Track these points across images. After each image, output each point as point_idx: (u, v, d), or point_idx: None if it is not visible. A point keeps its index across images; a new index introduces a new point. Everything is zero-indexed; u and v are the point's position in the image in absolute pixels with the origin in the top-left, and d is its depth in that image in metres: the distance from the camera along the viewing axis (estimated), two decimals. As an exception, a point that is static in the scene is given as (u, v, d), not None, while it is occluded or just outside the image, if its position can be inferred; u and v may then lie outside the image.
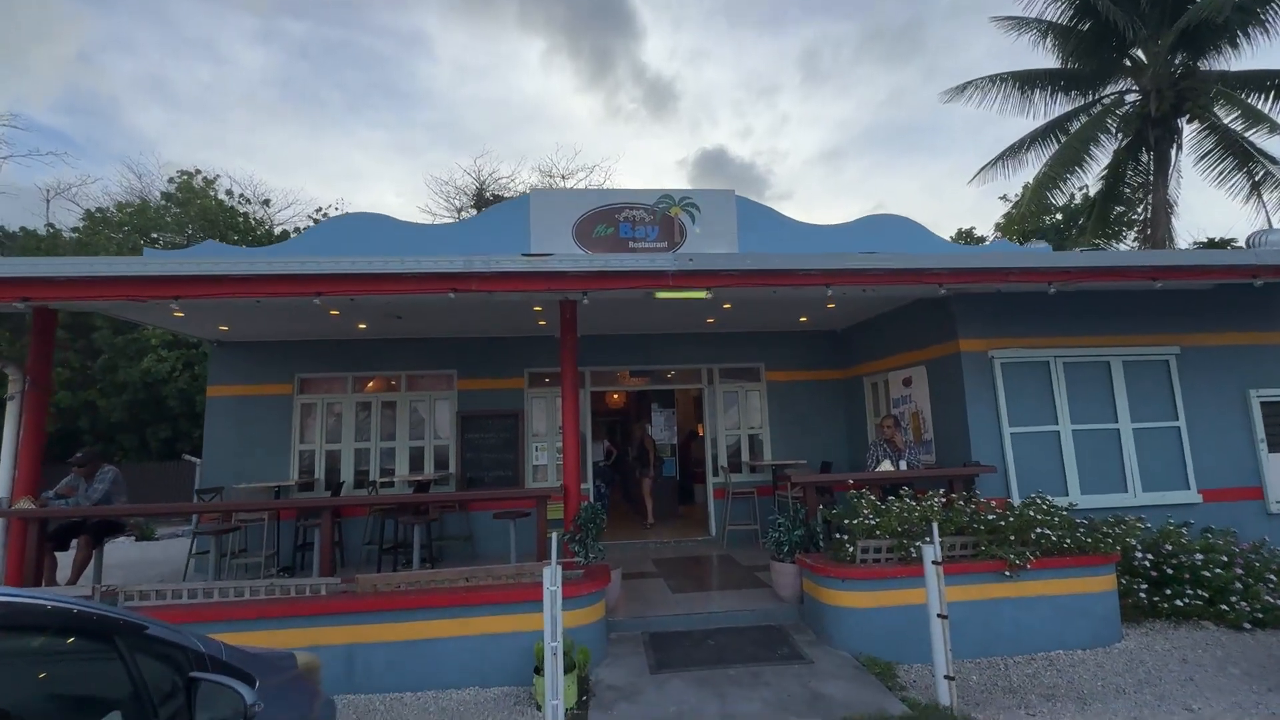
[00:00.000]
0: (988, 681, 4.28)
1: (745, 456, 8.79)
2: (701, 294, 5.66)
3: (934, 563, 3.85)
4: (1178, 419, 6.37)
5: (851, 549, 4.83)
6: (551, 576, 3.52)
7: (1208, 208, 33.82)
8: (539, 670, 3.88)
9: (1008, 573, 4.68)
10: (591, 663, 4.47)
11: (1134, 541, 5.24)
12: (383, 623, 4.30)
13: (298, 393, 8.27)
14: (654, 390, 10.84)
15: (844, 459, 8.79)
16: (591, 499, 8.42)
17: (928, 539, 4.38)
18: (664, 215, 8.10)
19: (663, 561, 7.36)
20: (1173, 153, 12.37)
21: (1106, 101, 12.98)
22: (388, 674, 4.26)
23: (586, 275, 4.94)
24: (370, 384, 8.47)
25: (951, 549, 4.80)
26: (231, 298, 4.61)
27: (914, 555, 4.72)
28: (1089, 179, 13.71)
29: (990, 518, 4.87)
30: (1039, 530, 4.72)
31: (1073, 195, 18.40)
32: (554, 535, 3.71)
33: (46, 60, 35.80)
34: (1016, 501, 5.33)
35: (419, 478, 7.65)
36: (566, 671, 3.97)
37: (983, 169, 13.99)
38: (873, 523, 4.82)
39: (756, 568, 6.83)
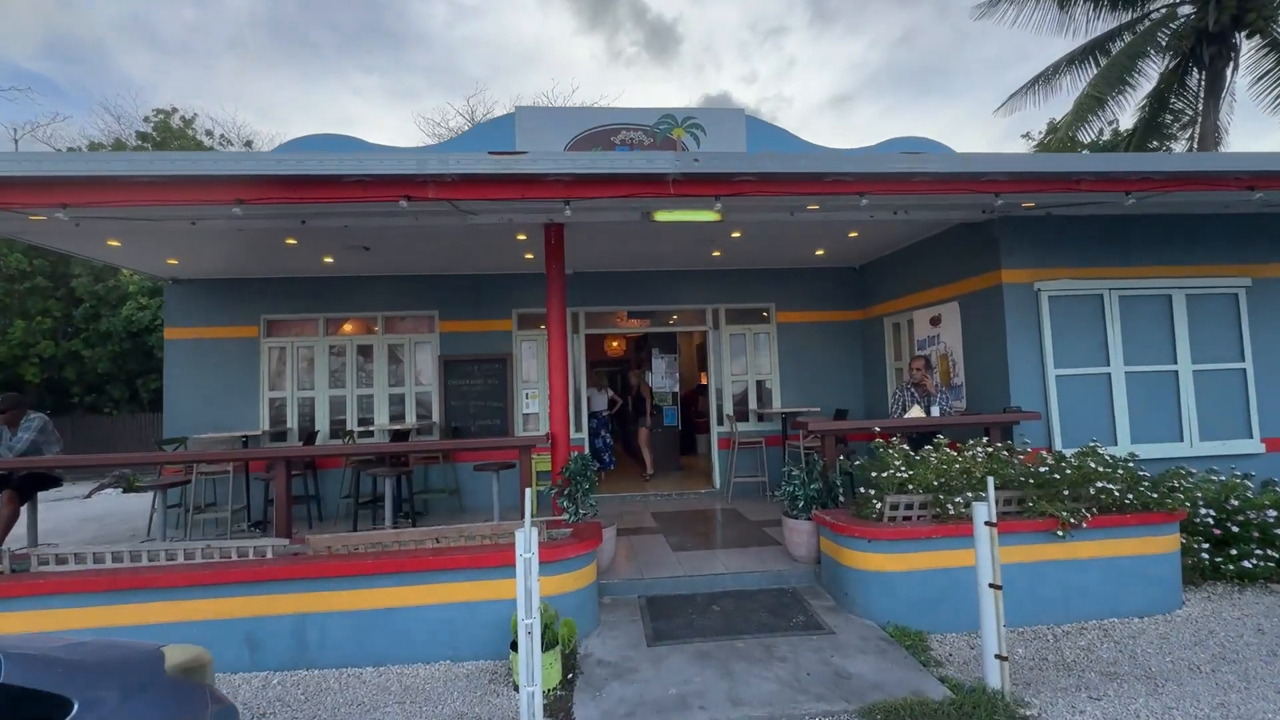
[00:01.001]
0: (1036, 655, 3.72)
1: (753, 404, 8.14)
2: (710, 214, 4.87)
3: (987, 524, 3.21)
4: (1243, 360, 5.65)
5: (879, 505, 4.21)
6: (525, 541, 2.88)
7: (1251, 141, 32.08)
8: (516, 646, 3.31)
9: (1060, 532, 4.06)
10: (580, 634, 3.91)
11: (1200, 496, 4.62)
12: (340, 590, 3.72)
13: (265, 335, 7.57)
14: (655, 334, 10.11)
15: (859, 407, 8.14)
16: (587, 450, 7.82)
17: (976, 495, 3.74)
18: (665, 138, 7.19)
19: (663, 516, 6.81)
20: (1228, 72, 11.20)
21: (1156, 15, 11.71)
22: (345, 646, 3.71)
23: (569, 180, 4.13)
24: (345, 326, 7.76)
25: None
26: (133, 205, 3.85)
27: (950, 513, 4.10)
28: (1130, 107, 12.55)
29: (1042, 470, 4.22)
30: (1100, 485, 4.06)
31: (1101, 131, 17.15)
32: (528, 492, 3.06)
33: (23, 2, 33.65)
34: (1061, 451, 4.68)
35: (398, 427, 7.03)
36: (549, 647, 3.41)
37: (1012, 96, 12.81)
38: (905, 475, 4.18)
39: (766, 523, 6.27)
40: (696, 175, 4.14)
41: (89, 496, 10.68)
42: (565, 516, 4.68)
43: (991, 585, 3.18)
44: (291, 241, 5.89)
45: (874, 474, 4.34)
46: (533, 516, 3.02)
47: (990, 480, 3.29)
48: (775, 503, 7.23)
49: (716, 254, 7.22)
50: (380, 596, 3.74)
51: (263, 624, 3.67)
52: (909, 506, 4.22)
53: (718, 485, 7.98)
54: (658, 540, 5.78)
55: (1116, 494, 4.08)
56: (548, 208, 4.76)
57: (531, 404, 7.80)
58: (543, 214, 5.02)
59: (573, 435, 7.59)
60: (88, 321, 15.89)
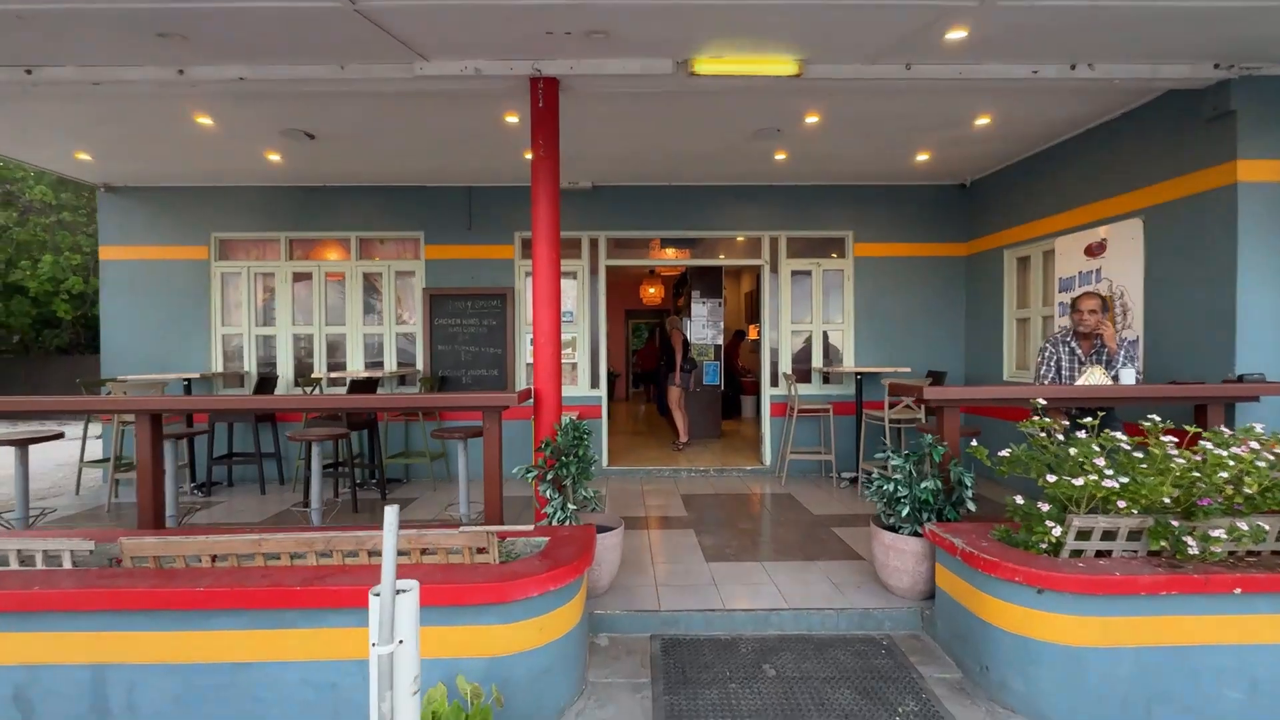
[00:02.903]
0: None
1: (817, 362, 6.38)
2: (781, 63, 3.09)
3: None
4: None
5: (1059, 531, 2.49)
6: (382, 605, 1.35)
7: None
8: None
9: None
10: (549, 709, 2.41)
11: None
12: (160, 630, 2.31)
13: (216, 258, 6.21)
14: (697, 270, 8.38)
15: (958, 369, 6.27)
16: (605, 414, 6.27)
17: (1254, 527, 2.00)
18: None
19: (697, 501, 5.24)
20: None
21: None
22: (168, 718, 2.31)
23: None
24: (312, 250, 6.32)
25: (1252, 540, 2.40)
26: None
27: (1194, 552, 2.36)
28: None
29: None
30: None
31: None
32: (390, 514, 1.51)
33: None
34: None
35: (362, 374, 5.61)
36: (470, 773, 1.90)
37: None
38: (1113, 485, 2.43)
39: (834, 520, 4.61)
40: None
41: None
42: (548, 511, 3.15)
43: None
44: (205, 121, 4.38)
45: (1051, 477, 2.60)
46: (394, 531, 1.46)
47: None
48: (844, 490, 5.55)
49: (780, 156, 5.36)
50: (222, 644, 2.30)
51: (41, 676, 2.30)
52: (1113, 536, 2.49)
53: (768, 462, 6.34)
54: (687, 539, 4.22)
55: None
56: (528, 37, 3.07)
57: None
58: (525, 55, 3.33)
59: (587, 393, 6.06)
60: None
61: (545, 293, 3.47)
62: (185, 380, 5.67)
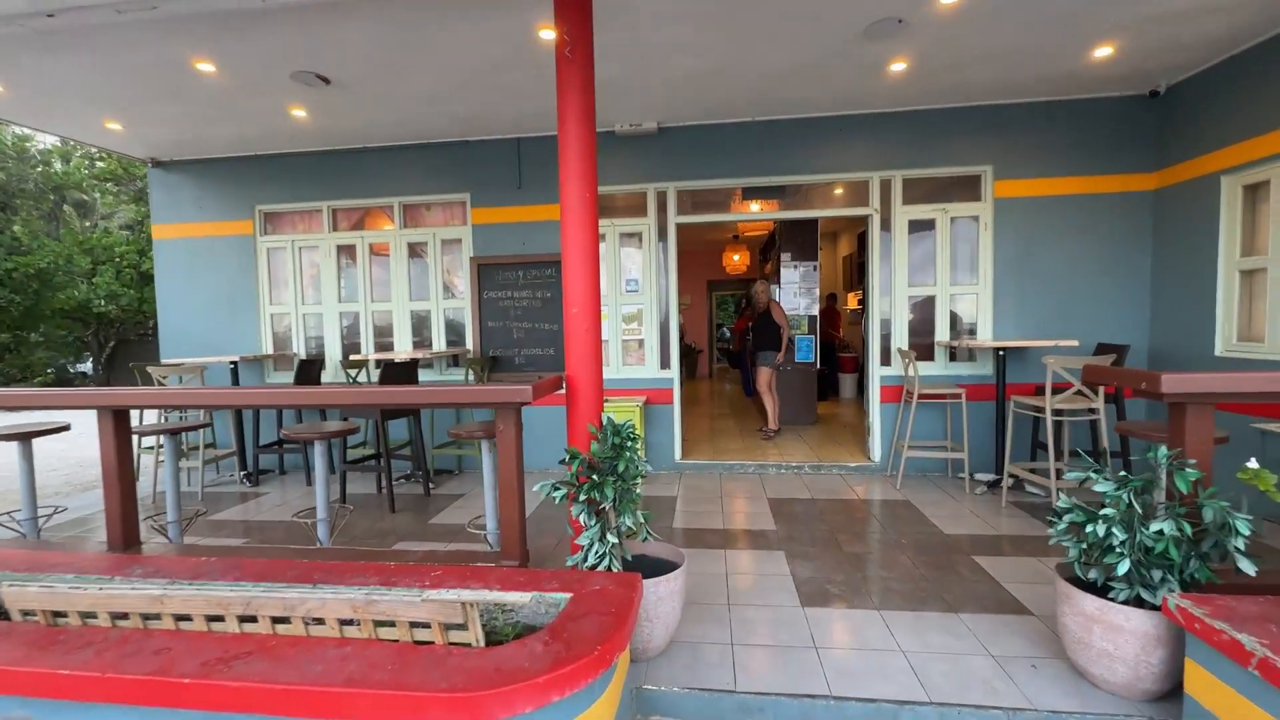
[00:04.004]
0: None
1: (942, 334, 5.09)
2: None
3: None
4: None
5: None
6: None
7: None
8: None
9: None
10: None
11: None
12: None
13: (261, 232, 5.83)
14: (787, 226, 7.19)
15: (1140, 342, 4.78)
16: (677, 399, 5.35)
17: None
18: None
19: (787, 509, 4.23)
20: None
21: None
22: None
23: None
24: (355, 220, 5.80)
25: None
26: None
27: None
28: None
29: None
30: None
31: None
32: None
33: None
34: None
35: (409, 355, 5.01)
36: None
37: None
38: None
39: (973, 544, 3.46)
40: None
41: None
42: (582, 543, 2.30)
43: None
44: (206, 67, 3.81)
45: None
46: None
47: None
48: (981, 498, 4.34)
49: (898, 65, 4.10)
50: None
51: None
52: None
53: (876, 457, 5.17)
54: (775, 566, 3.25)
55: None
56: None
57: (601, 327, 5.40)
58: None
59: (656, 375, 5.17)
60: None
61: (578, 245, 2.57)
62: (231, 363, 5.35)
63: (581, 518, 2.33)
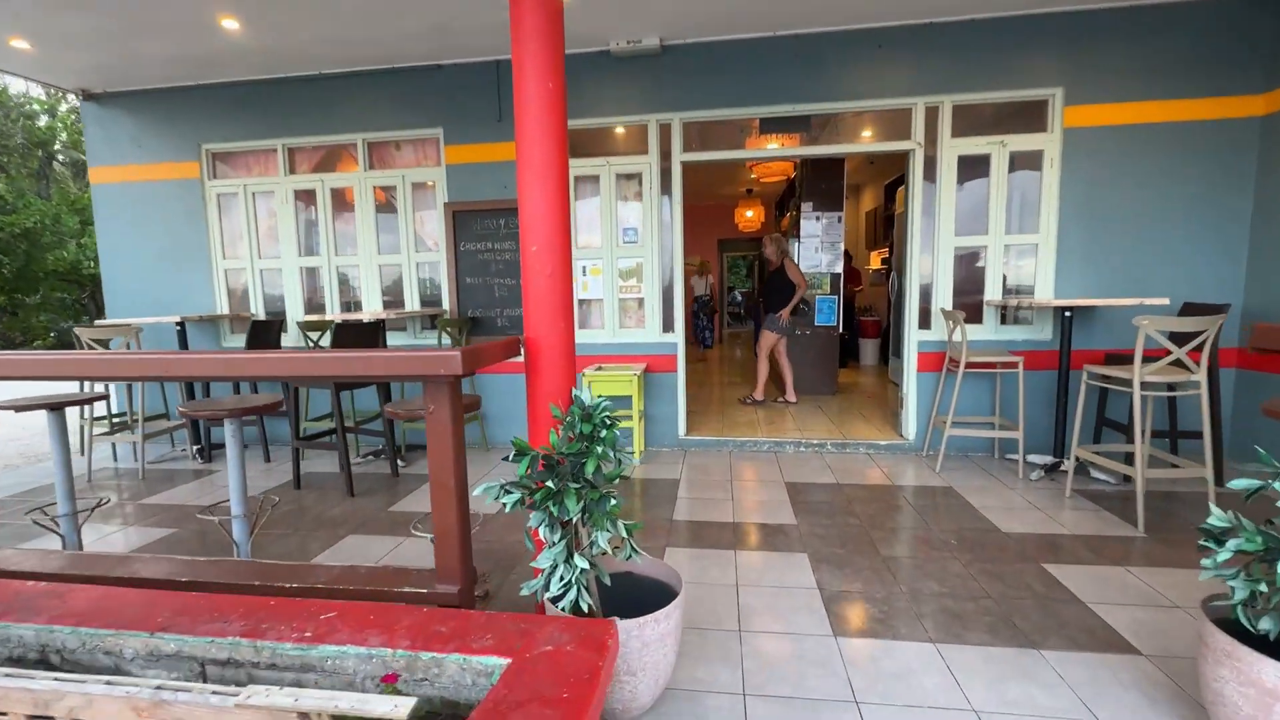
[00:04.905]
0: None
1: (992, 293, 4.34)
2: None
3: None
4: None
5: None
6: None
7: None
8: None
9: None
10: None
11: None
12: None
13: (209, 176, 5.13)
14: (809, 173, 6.39)
15: (1236, 299, 4.01)
16: (681, 368, 4.67)
17: None
18: None
19: (809, 496, 3.59)
20: None
21: None
22: None
23: None
24: (314, 161, 5.07)
25: None
26: None
27: None
28: None
29: None
30: None
31: None
32: None
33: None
34: None
35: (373, 315, 4.35)
36: None
37: None
38: None
39: (1039, 545, 2.79)
40: None
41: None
42: (543, 565, 1.66)
43: None
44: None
45: None
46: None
47: None
48: (1038, 484, 3.67)
49: (962, -49, 3.27)
50: None
51: None
52: None
53: (910, 434, 4.50)
54: (797, 576, 2.61)
55: None
56: None
57: (593, 283, 4.72)
58: None
59: (657, 339, 4.50)
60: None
61: (539, 153, 1.85)
62: (177, 324, 4.72)
63: (542, 530, 1.69)
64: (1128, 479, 3.65)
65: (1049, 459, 3.95)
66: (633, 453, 4.43)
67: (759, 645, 2.13)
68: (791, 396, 5.89)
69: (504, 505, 1.65)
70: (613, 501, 1.58)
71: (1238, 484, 1.57)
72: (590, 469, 1.56)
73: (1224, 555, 1.53)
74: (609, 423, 1.66)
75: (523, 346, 1.94)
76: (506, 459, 1.64)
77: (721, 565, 2.75)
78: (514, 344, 1.93)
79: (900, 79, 4.21)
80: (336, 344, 3.73)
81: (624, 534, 1.77)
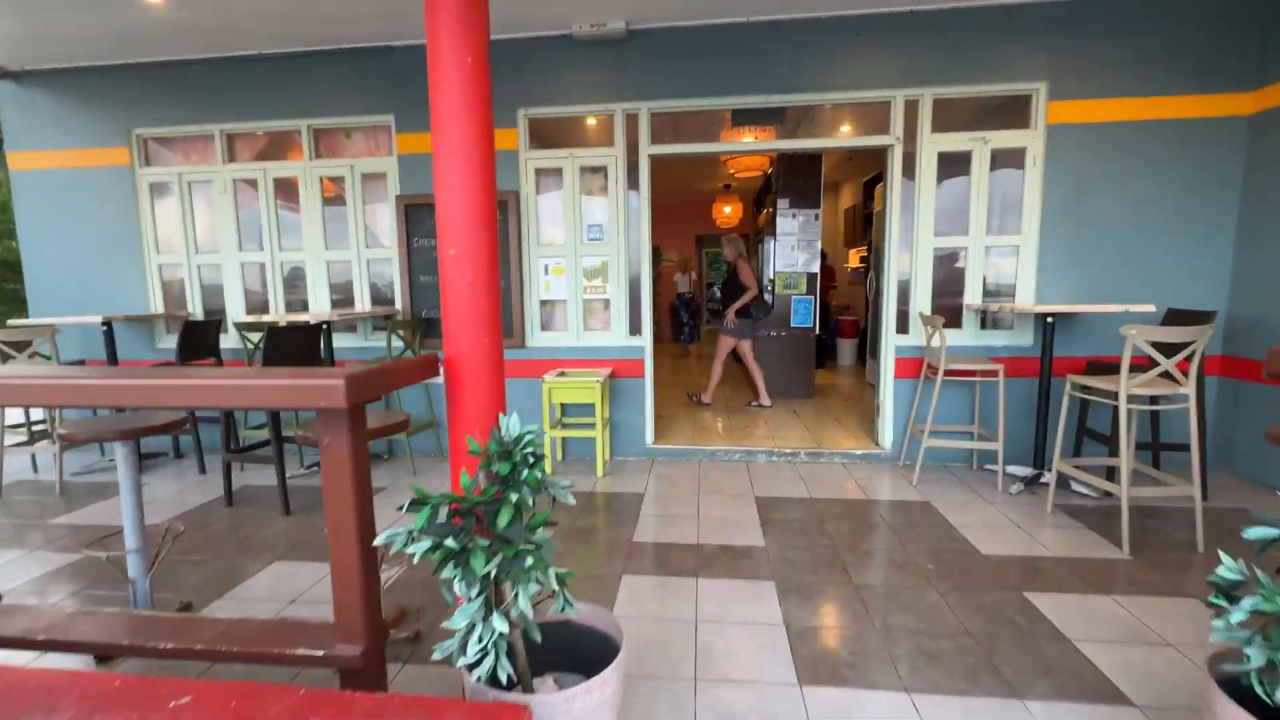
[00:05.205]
0: None
1: (972, 297, 4.16)
2: None
3: None
4: None
5: None
6: None
7: None
8: None
9: None
10: None
11: None
12: None
13: (141, 163, 4.75)
14: (785, 169, 6.17)
15: (1218, 309, 3.88)
16: (649, 376, 4.43)
17: None
18: None
19: (779, 513, 3.37)
20: None
21: None
22: None
23: None
24: (256, 149, 4.72)
25: None
26: None
27: None
28: None
29: None
30: None
31: None
32: None
33: None
34: None
35: (321, 316, 4.04)
36: None
37: None
38: None
39: (1019, 570, 2.59)
40: None
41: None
42: (458, 625, 1.40)
43: None
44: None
45: None
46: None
47: None
48: (1019, 499, 3.50)
49: (945, -69, 3.05)
50: None
51: None
52: None
53: (887, 443, 4.31)
54: (762, 606, 2.39)
55: None
56: None
57: (557, 283, 4.44)
58: None
59: (624, 343, 4.25)
60: None
61: (458, 147, 1.58)
62: (104, 324, 4.35)
63: (457, 585, 1.43)
64: (1110, 493, 3.50)
65: (1029, 470, 3.79)
66: (579, 482, 4.18)
67: (717, 698, 1.90)
68: (765, 400, 5.70)
69: (411, 554, 1.39)
70: (529, 561, 1.32)
71: (1253, 534, 1.37)
72: (503, 521, 1.31)
73: (1238, 616, 1.33)
74: (532, 460, 1.41)
75: (441, 366, 1.67)
76: (400, 509, 1.38)
77: (682, 597, 2.51)
78: (431, 363, 1.67)
79: (879, 70, 4.00)
80: (269, 350, 3.42)
81: (554, 585, 1.52)
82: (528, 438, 1.43)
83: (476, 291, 1.63)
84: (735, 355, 5.87)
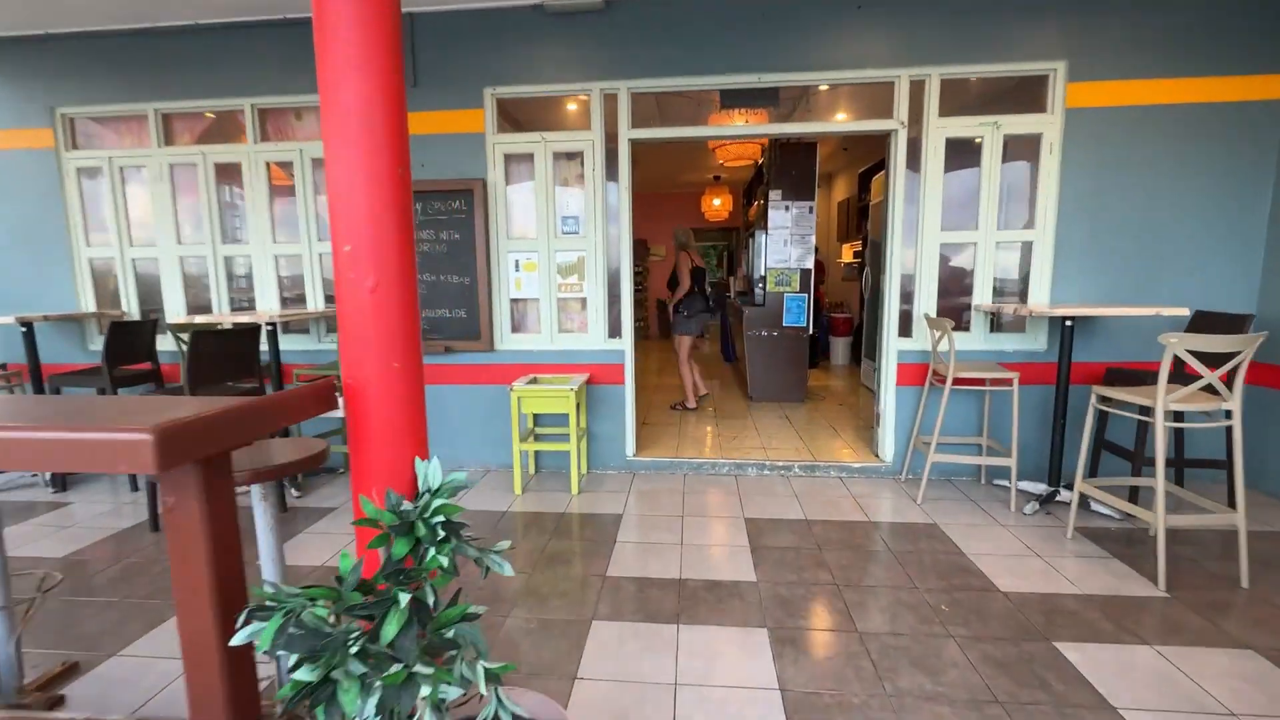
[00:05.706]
0: None
1: (981, 298, 3.82)
2: None
3: None
4: None
5: None
6: None
7: None
8: None
9: None
10: None
11: None
12: None
13: (67, 145, 4.29)
14: (778, 157, 5.80)
15: (1250, 309, 3.56)
16: (629, 378, 4.06)
17: None
18: None
19: (771, 539, 3.01)
20: None
21: None
22: None
23: None
24: (195, 131, 4.27)
25: None
26: None
27: None
28: None
29: None
30: None
31: None
32: None
33: None
34: None
35: (257, 317, 3.62)
36: None
37: None
38: None
39: (1045, 610, 2.25)
40: None
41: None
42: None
43: None
44: None
45: None
46: None
47: None
48: (1034, 520, 3.16)
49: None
50: None
51: None
52: None
53: (888, 456, 3.97)
54: (753, 662, 2.03)
55: None
56: None
57: (528, 280, 4.05)
58: None
59: (602, 347, 3.88)
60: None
61: (353, 112, 1.20)
62: (22, 325, 3.90)
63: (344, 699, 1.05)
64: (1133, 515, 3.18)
65: (1043, 488, 3.46)
66: (552, 501, 3.80)
67: (697, 799, 1.54)
68: (691, 403, 5.49)
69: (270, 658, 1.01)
70: (426, 690, 0.94)
71: None
72: (389, 633, 0.93)
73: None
74: (443, 534, 1.03)
75: (340, 397, 1.29)
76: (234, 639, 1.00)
77: (660, 651, 2.15)
78: (325, 393, 1.28)
79: (882, 47, 3.63)
80: (195, 358, 3.00)
81: (483, 677, 1.14)
82: (436, 504, 1.05)
83: (383, 300, 1.24)
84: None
